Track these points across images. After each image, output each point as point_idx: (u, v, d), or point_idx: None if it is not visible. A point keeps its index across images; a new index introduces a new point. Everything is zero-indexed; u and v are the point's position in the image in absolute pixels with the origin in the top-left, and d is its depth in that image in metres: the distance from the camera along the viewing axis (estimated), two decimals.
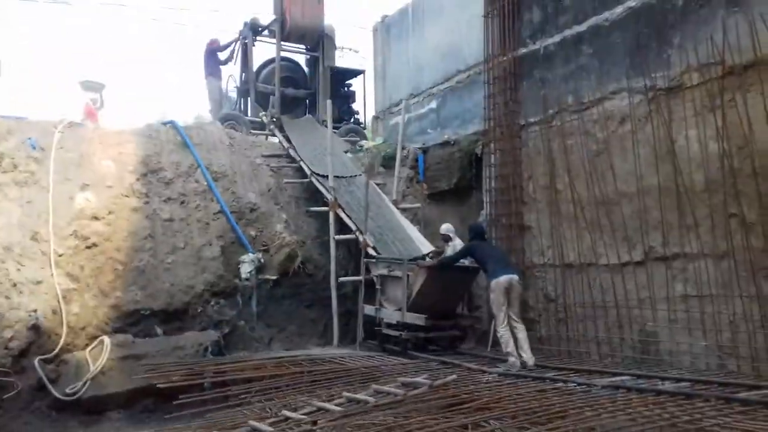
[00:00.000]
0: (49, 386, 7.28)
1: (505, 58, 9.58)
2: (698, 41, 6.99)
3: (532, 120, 9.19)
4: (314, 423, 5.28)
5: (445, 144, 11.34)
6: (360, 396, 5.83)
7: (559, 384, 6.37)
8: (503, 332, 7.57)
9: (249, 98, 14.17)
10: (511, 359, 7.44)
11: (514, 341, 7.55)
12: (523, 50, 9.41)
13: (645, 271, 7.44)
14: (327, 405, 5.68)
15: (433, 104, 12.18)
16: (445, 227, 9.69)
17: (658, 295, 7.27)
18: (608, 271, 7.84)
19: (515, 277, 7.70)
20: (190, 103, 39.27)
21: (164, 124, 11.01)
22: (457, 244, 9.56)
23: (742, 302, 6.46)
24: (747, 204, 6.49)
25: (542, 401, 5.57)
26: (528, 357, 7.45)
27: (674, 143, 7.20)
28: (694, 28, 7.09)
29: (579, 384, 6.29)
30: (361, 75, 15.68)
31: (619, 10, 7.97)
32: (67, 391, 7.28)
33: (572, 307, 8.25)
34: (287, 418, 5.45)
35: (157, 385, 6.98)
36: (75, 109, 11.87)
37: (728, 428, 4.46)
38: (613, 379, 6.40)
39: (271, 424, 5.28)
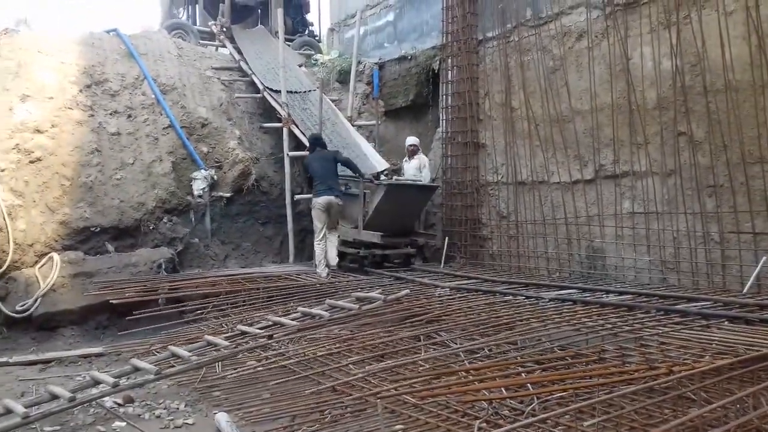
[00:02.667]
0: None
1: None
2: None
3: (489, 35, 9.05)
4: (269, 337, 5.37)
5: (402, 59, 11.12)
6: (315, 310, 5.93)
7: (508, 297, 6.58)
8: (317, 247, 8.37)
9: (197, 5, 13.50)
10: (319, 270, 8.25)
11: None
12: None
13: (595, 188, 7.60)
14: (282, 320, 5.76)
15: (390, 16, 11.85)
16: (413, 139, 9.67)
17: (606, 212, 7.47)
18: (559, 189, 7.98)
19: (333, 198, 8.27)
20: (136, 10, 37.35)
21: (107, 32, 10.45)
22: (422, 159, 9.54)
23: (686, 219, 6.69)
24: (696, 122, 6.61)
25: (491, 314, 5.77)
26: (332, 257, 8.40)
27: (629, 60, 7.21)
28: None
29: (527, 297, 6.50)
30: None
31: None
32: (18, 308, 7.18)
33: (524, 224, 8.42)
34: (243, 333, 5.52)
35: (111, 302, 6.97)
36: None
37: (666, 337, 4.70)
38: (560, 292, 6.63)
39: (226, 339, 5.34)
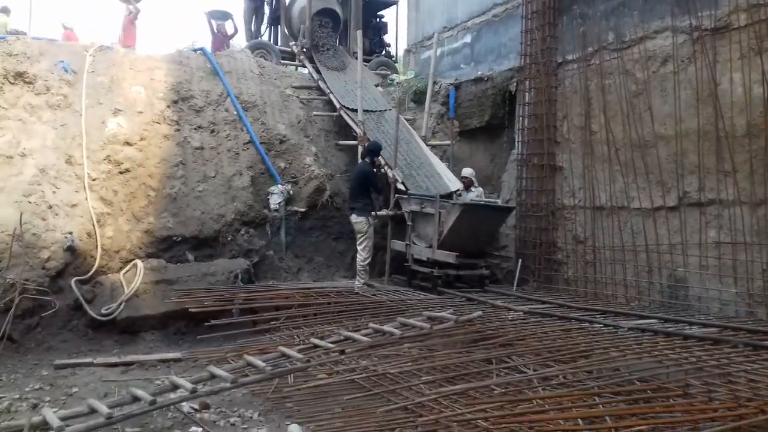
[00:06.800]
0: (86, 306, 7.50)
1: None
2: None
3: (569, 58, 8.94)
4: (342, 352, 5.41)
5: (479, 80, 11.10)
6: (386, 327, 5.94)
7: (585, 324, 6.41)
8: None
9: (279, 27, 13.92)
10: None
11: None
12: None
13: (678, 216, 7.34)
14: (354, 335, 5.79)
15: (468, 38, 11.87)
16: (468, 171, 9.59)
17: (690, 241, 7.19)
18: (640, 215, 7.75)
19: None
20: None
21: (194, 50, 10.90)
22: (479, 191, 9.46)
23: None
24: None
25: (567, 340, 5.64)
26: None
27: (717, 86, 6.97)
28: None
29: (605, 325, 6.32)
30: (394, 6, 15.29)
31: None
32: (103, 311, 7.50)
33: (601, 250, 8.21)
34: (315, 346, 5.58)
35: (189, 309, 7.19)
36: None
37: (755, 374, 4.47)
38: (640, 321, 6.42)
39: (299, 351, 5.41)
